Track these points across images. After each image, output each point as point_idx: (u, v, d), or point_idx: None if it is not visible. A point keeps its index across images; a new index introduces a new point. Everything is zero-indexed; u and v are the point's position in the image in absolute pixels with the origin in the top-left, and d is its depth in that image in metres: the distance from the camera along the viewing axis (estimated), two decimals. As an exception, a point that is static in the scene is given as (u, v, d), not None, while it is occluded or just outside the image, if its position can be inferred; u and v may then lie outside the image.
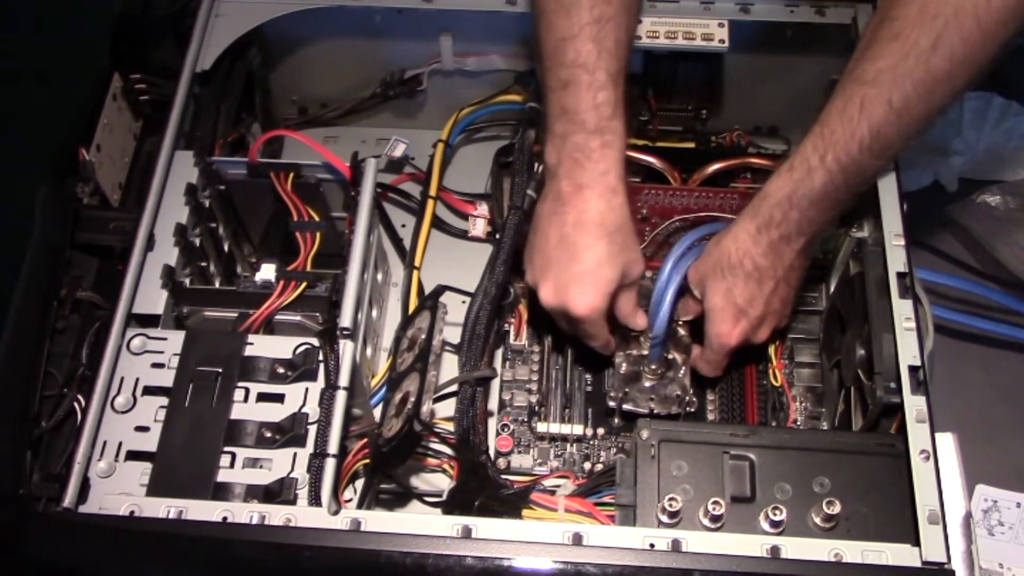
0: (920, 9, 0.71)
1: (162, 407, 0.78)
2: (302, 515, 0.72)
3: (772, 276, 0.83)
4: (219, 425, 0.77)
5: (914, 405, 0.75)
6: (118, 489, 0.74)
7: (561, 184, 0.82)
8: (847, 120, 0.75)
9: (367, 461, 0.79)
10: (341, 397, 0.77)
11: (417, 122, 1.13)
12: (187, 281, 0.87)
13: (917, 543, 0.70)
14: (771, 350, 0.94)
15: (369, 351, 0.92)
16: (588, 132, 0.80)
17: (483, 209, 1.05)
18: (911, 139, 0.76)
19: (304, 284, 0.84)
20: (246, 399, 0.78)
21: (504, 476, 0.82)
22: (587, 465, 0.91)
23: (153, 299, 0.83)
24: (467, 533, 0.70)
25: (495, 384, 0.95)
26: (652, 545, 0.70)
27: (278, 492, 0.74)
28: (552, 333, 0.96)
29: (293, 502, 0.73)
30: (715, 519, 0.73)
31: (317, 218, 0.90)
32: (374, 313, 0.95)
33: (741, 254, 0.82)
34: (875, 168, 0.79)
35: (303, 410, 0.78)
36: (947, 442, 0.75)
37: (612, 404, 0.90)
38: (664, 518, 0.74)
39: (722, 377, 0.93)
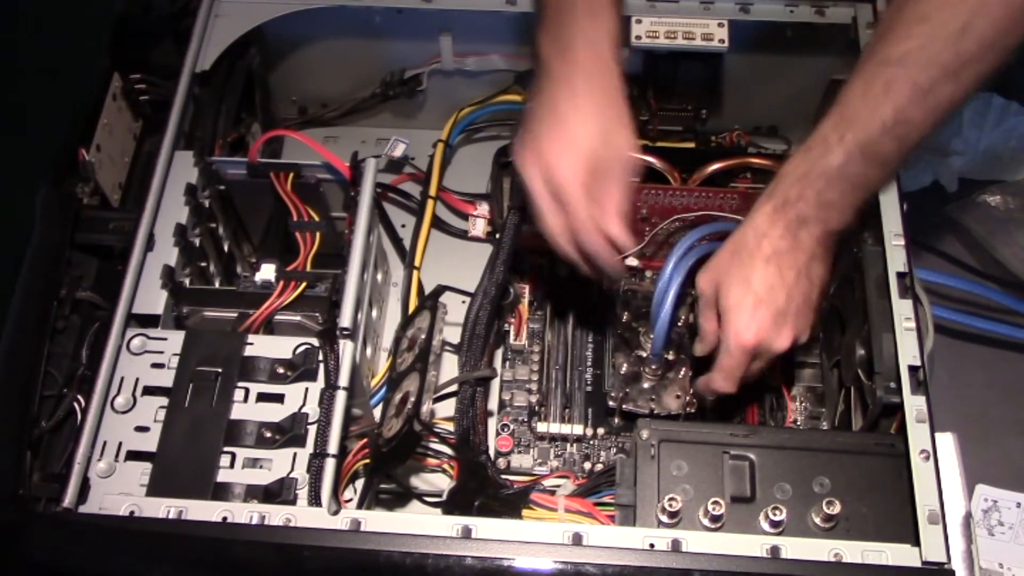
0: None
1: (162, 407, 0.78)
2: (302, 515, 0.72)
3: (792, 264, 0.80)
4: (219, 425, 0.77)
5: (914, 405, 0.75)
6: (118, 489, 0.74)
7: (553, 66, 0.80)
8: (870, 101, 0.74)
9: (367, 461, 0.79)
10: (341, 397, 0.77)
11: (417, 122, 1.13)
12: (187, 281, 0.87)
13: (917, 543, 0.70)
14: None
15: (369, 351, 0.92)
16: (579, 15, 0.79)
17: (483, 209, 1.05)
18: (935, 125, 0.75)
19: (304, 284, 0.84)
20: (246, 399, 0.78)
21: (504, 476, 0.82)
22: (587, 465, 0.91)
23: (153, 299, 0.83)
24: (467, 533, 0.70)
25: (495, 384, 0.95)
26: (652, 545, 0.70)
27: (278, 492, 0.74)
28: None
29: (293, 502, 0.73)
30: (715, 519, 0.73)
31: (317, 218, 0.90)
32: (374, 313, 0.95)
33: (759, 237, 0.80)
34: (894, 156, 0.76)
35: (303, 410, 0.78)
36: (947, 442, 0.75)
37: (612, 404, 0.91)
38: (664, 518, 0.74)
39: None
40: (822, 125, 0.77)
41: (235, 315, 0.84)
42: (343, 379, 0.78)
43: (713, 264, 0.83)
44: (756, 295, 0.80)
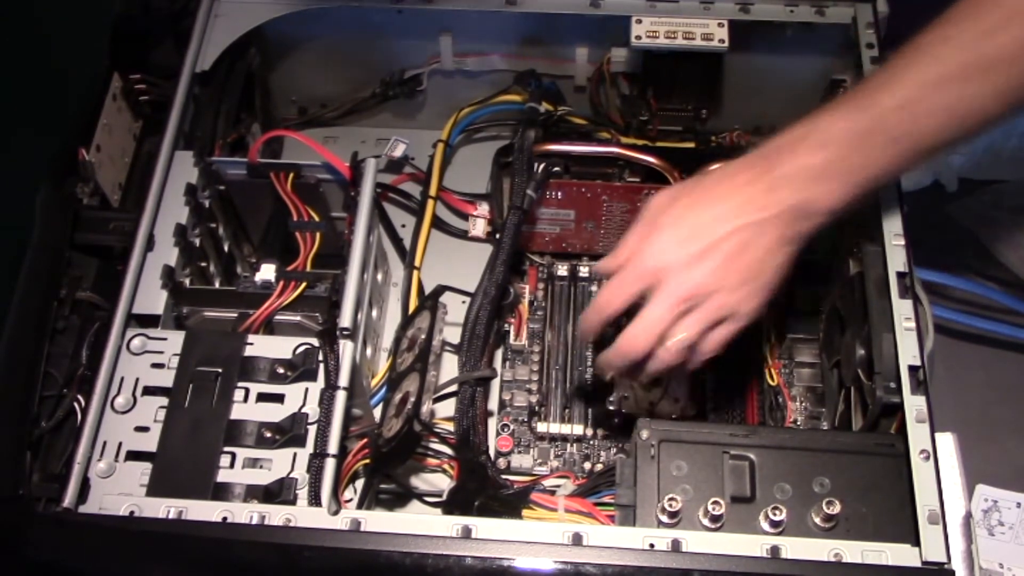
0: None
1: (162, 407, 0.78)
2: (302, 515, 0.72)
3: (748, 215, 0.73)
4: (219, 425, 0.77)
5: (914, 405, 0.75)
6: (118, 489, 0.74)
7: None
8: (889, 75, 0.71)
9: (367, 461, 0.79)
10: (341, 397, 0.77)
11: (417, 122, 1.13)
12: (187, 281, 0.87)
13: (917, 543, 0.70)
14: (766, 349, 0.94)
15: (369, 351, 0.92)
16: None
17: (483, 209, 1.05)
18: (945, 122, 0.70)
19: (304, 284, 0.84)
20: (246, 399, 0.78)
21: (504, 476, 0.82)
22: (587, 465, 0.92)
23: (153, 299, 0.83)
24: (467, 533, 0.70)
25: (495, 384, 0.95)
26: (652, 545, 0.70)
27: (278, 492, 0.74)
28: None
29: (293, 502, 0.73)
30: (715, 519, 0.73)
31: (317, 218, 0.90)
32: (374, 313, 0.95)
33: (728, 174, 0.76)
34: (888, 145, 0.71)
35: (303, 410, 0.78)
36: (947, 442, 0.75)
37: (612, 407, 0.90)
38: (664, 518, 0.74)
39: (721, 376, 0.93)
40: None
41: (235, 315, 0.84)
42: (343, 379, 0.78)
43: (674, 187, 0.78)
44: (692, 226, 0.73)
